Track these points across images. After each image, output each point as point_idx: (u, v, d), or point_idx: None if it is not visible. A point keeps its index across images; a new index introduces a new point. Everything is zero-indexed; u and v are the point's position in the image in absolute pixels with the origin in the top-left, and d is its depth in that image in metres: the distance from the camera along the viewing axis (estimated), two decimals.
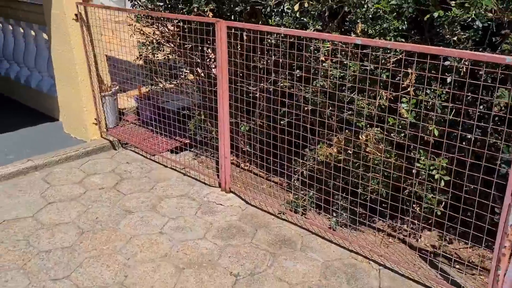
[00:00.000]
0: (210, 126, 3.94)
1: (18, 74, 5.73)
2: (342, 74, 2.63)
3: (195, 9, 3.23)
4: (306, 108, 2.91)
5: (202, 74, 3.88)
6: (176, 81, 4.17)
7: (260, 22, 3.34)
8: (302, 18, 2.67)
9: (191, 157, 4.31)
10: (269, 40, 3.02)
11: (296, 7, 2.60)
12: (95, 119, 4.61)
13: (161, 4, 3.58)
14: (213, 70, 3.90)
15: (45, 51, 5.28)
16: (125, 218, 3.26)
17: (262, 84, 3.30)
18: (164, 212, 3.34)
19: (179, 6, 3.42)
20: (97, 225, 3.18)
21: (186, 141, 4.48)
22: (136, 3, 3.88)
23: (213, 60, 3.79)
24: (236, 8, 2.99)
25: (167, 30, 3.87)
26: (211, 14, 3.17)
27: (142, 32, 3.94)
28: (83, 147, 4.44)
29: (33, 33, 5.30)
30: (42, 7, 4.70)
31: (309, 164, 3.09)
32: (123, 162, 4.19)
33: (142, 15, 3.75)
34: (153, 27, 3.87)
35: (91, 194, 3.60)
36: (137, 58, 4.23)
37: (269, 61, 3.18)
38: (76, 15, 4.26)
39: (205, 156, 4.27)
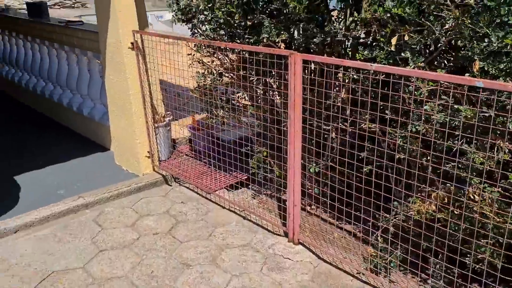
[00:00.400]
0: (273, 165, 3.57)
1: (71, 100, 5.61)
2: (447, 119, 2.18)
3: (264, 39, 2.88)
4: (398, 156, 2.47)
5: (265, 108, 3.52)
6: (234, 113, 3.84)
7: (335, 54, 2.95)
8: (400, 53, 2.26)
9: (250, 196, 3.94)
10: (350, 75, 2.62)
11: (393, 40, 2.19)
12: (148, 152, 4.34)
13: (224, 33, 3.27)
14: (276, 101, 3.55)
15: (98, 78, 5.13)
16: (183, 274, 2.90)
17: (338, 124, 2.89)
18: (226, 267, 2.97)
19: (245, 36, 3.08)
20: (152, 281, 2.84)
21: (244, 177, 4.13)
22: (196, 31, 3.59)
23: (277, 93, 3.43)
24: (314, 39, 2.62)
25: (228, 60, 3.56)
26: (283, 45, 2.81)
27: (202, 62, 3.64)
28: (135, 183, 4.17)
29: (86, 60, 5.17)
30: (97, 35, 4.53)
31: (397, 220, 2.63)
32: (178, 202, 3.87)
33: (203, 44, 3.46)
34: (214, 57, 3.57)
35: (145, 240, 3.29)
36: (195, 88, 3.94)
37: (348, 98, 2.77)
38: (132, 43, 4.04)
39: (265, 195, 3.89)
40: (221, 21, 3.08)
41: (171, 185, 4.23)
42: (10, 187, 4.17)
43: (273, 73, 3.29)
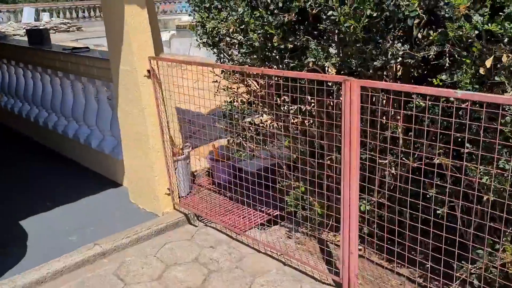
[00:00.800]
0: (313, 201, 3.17)
1: (77, 132, 5.21)
2: None
3: (310, 64, 2.52)
4: (486, 197, 2.09)
5: (302, 140, 3.14)
6: (265, 144, 3.46)
7: (390, 78, 2.59)
8: (490, 77, 1.90)
9: (284, 235, 3.53)
10: (418, 103, 2.25)
11: (488, 63, 1.83)
12: (168, 189, 3.94)
13: (256, 57, 2.91)
14: (315, 131, 3.18)
15: (107, 109, 4.74)
16: None
17: (399, 158, 2.51)
18: None
19: (285, 61, 2.72)
20: None
21: (275, 214, 3.72)
22: (222, 56, 3.23)
23: (317, 123, 3.06)
24: (375, 63, 2.25)
25: (258, 87, 3.19)
26: (333, 70, 2.45)
27: (230, 89, 3.27)
28: (155, 224, 3.76)
29: (94, 89, 4.80)
30: (107, 62, 4.17)
31: (480, 271, 2.24)
32: (206, 246, 3.45)
33: (231, 71, 3.09)
34: (244, 84, 3.20)
35: None
36: (222, 117, 3.57)
37: (412, 129, 2.40)
38: (148, 71, 3.67)
39: (302, 234, 3.48)
40: (256, 44, 2.71)
41: (195, 225, 3.81)
42: (16, 234, 3.75)
43: (312, 100, 2.93)
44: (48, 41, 5.42)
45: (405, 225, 2.56)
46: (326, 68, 2.54)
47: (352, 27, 2.22)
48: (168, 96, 3.80)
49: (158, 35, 4.00)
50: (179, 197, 4.04)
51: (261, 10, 2.62)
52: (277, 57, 2.79)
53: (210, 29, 2.93)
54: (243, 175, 3.64)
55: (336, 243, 3.31)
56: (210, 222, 3.81)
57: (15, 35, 19.28)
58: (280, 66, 2.80)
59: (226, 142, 4.88)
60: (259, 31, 2.66)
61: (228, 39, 3.01)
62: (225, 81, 3.29)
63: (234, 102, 3.34)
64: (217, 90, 3.36)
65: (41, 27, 20.08)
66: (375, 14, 2.10)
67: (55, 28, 20.35)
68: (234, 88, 3.28)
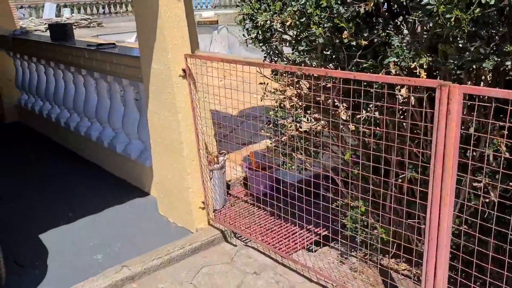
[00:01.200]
0: (376, 224, 2.71)
1: (101, 134, 4.84)
2: None
3: (390, 65, 2.06)
4: None
5: (366, 155, 2.68)
6: (316, 156, 3.01)
7: (490, 80, 2.12)
8: None
9: (336, 259, 3.09)
10: None
11: None
12: (203, 202, 3.52)
13: (317, 56, 2.45)
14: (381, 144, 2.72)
15: (134, 110, 4.35)
16: None
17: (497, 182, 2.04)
18: None
19: (355, 60, 2.27)
20: None
21: (324, 232, 3.28)
22: (272, 53, 2.78)
23: (385, 135, 2.60)
24: (485, 64, 1.78)
25: (309, 91, 2.74)
26: (422, 72, 1.98)
27: (279, 92, 2.83)
28: (189, 242, 3.34)
29: (121, 89, 4.41)
30: (136, 60, 3.77)
31: None
32: (249, 272, 3.02)
33: (284, 71, 2.64)
34: (295, 87, 2.75)
35: None
36: (267, 124, 3.13)
37: None
38: (184, 70, 3.25)
39: (356, 258, 3.03)
40: (319, 40, 2.26)
41: (233, 244, 3.39)
42: (36, 250, 3.38)
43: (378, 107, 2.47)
44: (72, 37, 5.06)
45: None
46: (418, 71, 2.07)
47: (454, 19, 1.75)
48: (202, 97, 3.38)
49: (194, 30, 3.58)
50: (214, 211, 3.63)
51: None
52: (342, 56, 2.34)
53: (262, 23, 2.49)
54: (285, 187, 3.21)
55: (402, 272, 2.84)
56: (250, 241, 3.39)
57: (36, 30, 19.18)
58: (348, 66, 2.35)
59: (263, 147, 4.46)
60: (325, 25, 2.20)
61: (281, 35, 2.57)
62: (272, 82, 2.85)
63: (283, 106, 2.89)
64: (264, 93, 2.92)
65: (60, 22, 19.97)
66: (492, 2, 1.63)
67: (75, 24, 20.20)
68: (286, 91, 2.84)
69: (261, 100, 2.90)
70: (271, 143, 3.28)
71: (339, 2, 2.14)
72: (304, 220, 2.94)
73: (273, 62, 2.79)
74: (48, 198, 4.25)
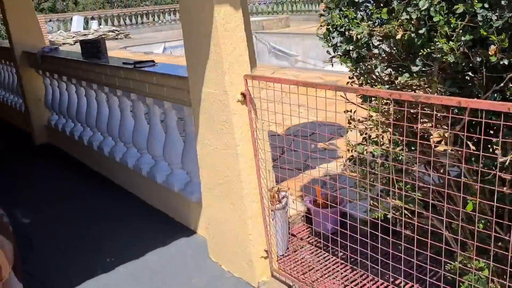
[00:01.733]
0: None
1: (138, 162, 4.33)
2: None
3: None
4: None
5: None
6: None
7: None
8: None
9: None
10: None
11: None
12: (265, 250, 2.94)
13: (437, 78, 1.83)
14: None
15: (177, 137, 3.82)
16: None
17: None
18: None
19: (500, 85, 1.64)
20: None
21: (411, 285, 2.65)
22: (364, 73, 2.18)
23: None
24: None
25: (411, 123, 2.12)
26: None
27: (373, 122, 2.23)
28: None
29: (161, 112, 3.89)
30: (182, 81, 3.23)
31: None
32: None
33: (388, 98, 2.03)
34: (395, 117, 2.14)
35: None
36: (349, 160, 2.52)
37: None
38: (243, 94, 2.69)
39: None
40: (449, 59, 1.65)
41: None
42: None
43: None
44: (105, 54, 4.60)
45: None
46: None
47: None
48: (261, 124, 2.81)
49: (251, 45, 3.03)
50: (277, 260, 3.04)
51: (468, 2, 1.56)
52: (480, 78, 1.71)
53: (359, 36, 1.89)
54: (355, 224, 2.60)
55: None
56: None
57: (65, 43, 19.15)
58: (485, 93, 1.72)
59: (321, 172, 3.86)
60: (462, 38, 1.59)
61: (381, 50, 1.97)
62: (358, 109, 2.25)
63: (372, 138, 2.28)
64: (350, 123, 2.31)
65: (90, 35, 19.88)
66: None
67: (103, 36, 20.10)
68: (375, 121, 2.22)
69: (349, 128, 2.30)
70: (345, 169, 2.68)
71: (486, 6, 1.53)
72: (390, 269, 2.32)
73: (367, 86, 2.19)
74: (84, 238, 3.75)
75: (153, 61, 3.98)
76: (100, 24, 22.20)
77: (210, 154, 2.97)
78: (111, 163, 4.81)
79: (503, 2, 1.49)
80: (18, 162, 5.85)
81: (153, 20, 24.10)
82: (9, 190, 4.89)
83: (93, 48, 4.67)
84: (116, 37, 20.59)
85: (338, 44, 2.05)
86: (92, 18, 22.39)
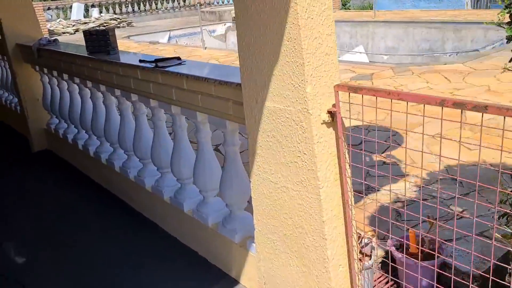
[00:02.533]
0: None
1: (159, 183, 3.46)
2: None
3: None
4: None
5: None
6: None
7: None
8: None
9: None
10: None
11: None
12: None
13: None
14: None
15: (213, 159, 2.95)
16: None
17: None
18: None
19: None
20: None
21: None
22: None
23: None
24: None
25: None
26: None
27: None
28: None
29: (189, 125, 3.01)
30: (230, 89, 2.35)
31: None
32: None
33: None
34: None
35: None
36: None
37: None
38: (330, 113, 1.82)
39: None
40: None
41: None
42: None
43: None
44: (115, 47, 3.71)
45: None
46: None
47: None
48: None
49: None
50: None
51: None
52: None
53: None
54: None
55: None
56: None
57: (64, 33, 18.18)
58: None
59: (393, 198, 3.00)
60: None
61: None
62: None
63: None
64: None
65: (90, 24, 18.87)
66: None
67: (105, 25, 19.11)
68: None
69: None
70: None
71: None
72: None
73: None
74: (88, 278, 2.92)
75: (179, 58, 3.09)
76: (101, 12, 21.21)
77: (272, 194, 2.11)
78: (123, 181, 3.95)
79: None
80: (10, 175, 4.97)
81: (156, 7, 23.05)
82: None
83: (100, 41, 3.77)
84: (118, 25, 19.61)
85: None
86: (93, 6, 21.39)
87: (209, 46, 13.20)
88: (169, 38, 17.35)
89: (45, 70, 4.94)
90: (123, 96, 3.59)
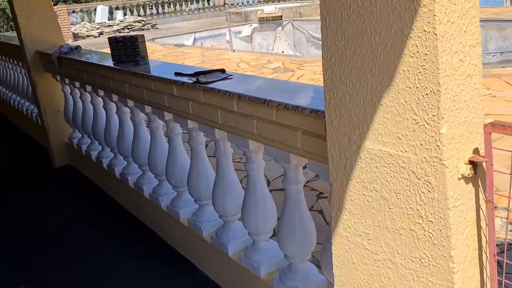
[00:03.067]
0: None
1: (197, 217, 2.91)
2: None
3: None
4: None
5: None
6: None
7: None
8: None
9: None
10: None
11: None
12: None
13: None
14: None
15: (265, 194, 2.39)
16: None
17: None
18: None
19: None
20: None
21: None
22: None
23: None
24: None
25: None
26: None
27: None
28: None
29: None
30: (305, 118, 1.76)
31: None
32: None
33: None
34: None
35: None
36: None
37: None
38: (472, 163, 1.22)
39: None
40: None
41: None
42: None
43: None
44: (145, 56, 3.19)
45: None
46: None
47: None
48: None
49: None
50: None
51: None
52: None
53: None
54: None
55: None
56: None
57: (89, 36, 17.96)
58: None
59: None
60: None
61: None
62: None
63: None
64: None
65: (115, 26, 18.60)
66: None
67: (129, 27, 18.86)
68: None
69: None
70: None
71: None
72: None
73: None
74: None
75: (223, 70, 2.53)
76: (125, 14, 20.97)
77: (368, 266, 1.51)
78: (153, 208, 3.42)
79: None
80: (30, 200, 4.48)
81: (180, 8, 22.70)
82: (13, 247, 3.55)
83: (127, 49, 3.25)
84: (143, 27, 19.34)
85: None
86: (117, 8, 21.18)
87: (235, 47, 12.68)
88: (194, 40, 16.93)
89: (67, 81, 4.47)
90: (155, 114, 3.05)
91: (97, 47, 12.94)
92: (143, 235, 3.48)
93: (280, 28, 17.98)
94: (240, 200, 2.50)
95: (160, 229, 3.44)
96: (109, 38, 3.34)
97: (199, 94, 2.38)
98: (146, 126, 3.42)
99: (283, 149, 1.96)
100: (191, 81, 2.42)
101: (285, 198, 2.18)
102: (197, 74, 2.50)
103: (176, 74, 2.64)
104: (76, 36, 17.31)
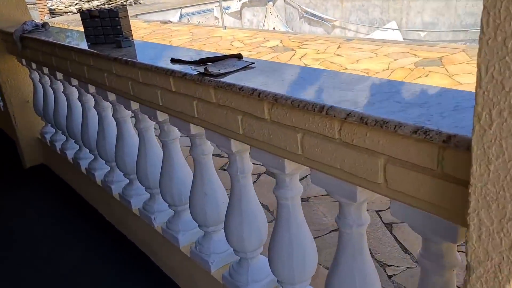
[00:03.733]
0: None
1: (201, 249, 2.24)
2: None
3: None
4: None
5: None
6: None
7: None
8: None
9: None
10: None
11: None
12: None
13: None
14: None
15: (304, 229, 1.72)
16: None
17: None
18: None
19: None
20: None
21: None
22: None
23: None
24: None
25: None
26: None
27: None
28: None
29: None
30: (392, 137, 1.08)
31: None
32: None
33: None
34: None
35: None
36: None
37: None
38: None
39: None
40: None
41: None
42: None
43: None
44: (129, 35, 2.44)
45: None
46: None
47: None
48: None
49: None
50: None
51: None
52: None
53: None
54: None
55: None
56: None
57: (67, 12, 16.82)
58: None
59: None
60: None
61: None
62: None
63: None
64: None
65: (95, 1, 17.43)
66: None
67: (110, 3, 17.72)
68: None
69: None
70: None
71: None
72: None
73: None
74: None
75: (240, 56, 1.81)
76: None
77: None
78: (144, 228, 2.74)
79: None
80: None
81: None
82: None
83: (105, 26, 2.50)
84: (124, 3, 18.20)
85: None
86: None
87: (226, 24, 11.83)
88: (180, 16, 15.96)
89: (34, 66, 3.69)
90: (144, 113, 2.33)
91: (76, 25, 11.95)
92: (131, 255, 2.80)
93: (270, 3, 17.06)
94: (262, 233, 1.83)
95: (152, 252, 2.76)
96: (82, 13, 2.56)
97: (208, 91, 1.67)
98: (134, 126, 2.70)
99: (348, 181, 1.28)
100: (196, 72, 1.70)
101: (339, 242, 1.51)
102: (204, 61, 1.78)
103: (173, 61, 1.91)
104: (53, 13, 16.16)
